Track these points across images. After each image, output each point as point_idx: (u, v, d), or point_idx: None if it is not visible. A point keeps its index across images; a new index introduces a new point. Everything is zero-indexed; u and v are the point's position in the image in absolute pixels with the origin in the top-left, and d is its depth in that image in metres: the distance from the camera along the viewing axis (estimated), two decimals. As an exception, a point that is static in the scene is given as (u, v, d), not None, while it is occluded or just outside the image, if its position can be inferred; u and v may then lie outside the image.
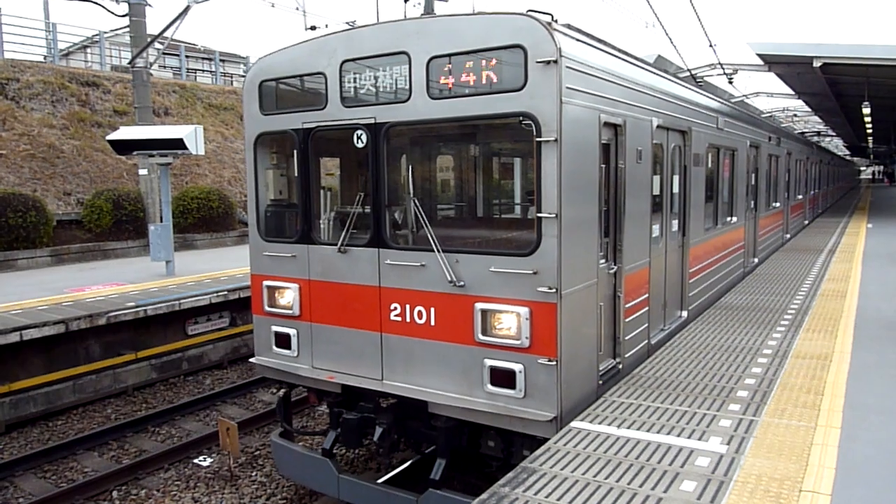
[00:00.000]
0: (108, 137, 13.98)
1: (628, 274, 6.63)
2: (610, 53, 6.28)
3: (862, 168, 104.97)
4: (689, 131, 8.49)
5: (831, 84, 23.82)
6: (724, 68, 20.34)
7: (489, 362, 5.57)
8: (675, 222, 8.45)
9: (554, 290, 5.21)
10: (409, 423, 6.37)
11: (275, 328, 7.01)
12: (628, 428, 5.39)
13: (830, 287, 11.32)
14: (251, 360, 7.37)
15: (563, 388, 5.35)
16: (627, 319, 6.67)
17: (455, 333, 5.73)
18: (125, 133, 13.71)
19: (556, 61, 4.99)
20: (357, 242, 6.29)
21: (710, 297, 10.17)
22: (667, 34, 11.95)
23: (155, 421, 9.84)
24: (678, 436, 5.20)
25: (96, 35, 28.16)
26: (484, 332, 5.57)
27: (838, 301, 10.13)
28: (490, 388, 5.59)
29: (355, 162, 7.01)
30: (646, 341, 7.32)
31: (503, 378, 5.51)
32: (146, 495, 7.77)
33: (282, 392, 7.27)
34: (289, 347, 6.91)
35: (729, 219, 11.33)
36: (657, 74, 7.60)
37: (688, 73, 14.36)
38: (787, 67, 23.16)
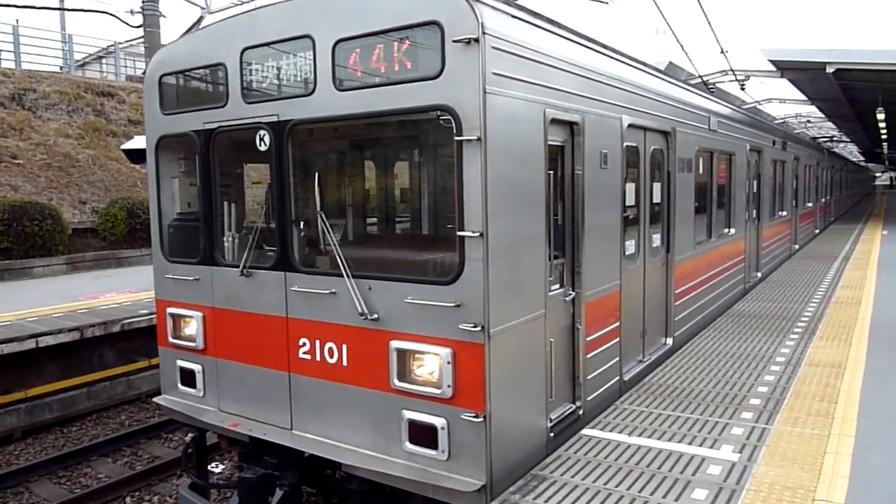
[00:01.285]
0: (123, 146, 14.17)
1: (591, 300, 5.69)
2: (560, 35, 5.29)
3: (877, 174, 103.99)
4: (672, 132, 7.58)
5: (844, 90, 23.66)
6: (735, 74, 20.27)
7: (407, 414, 4.61)
8: (657, 236, 7.51)
9: (480, 329, 4.26)
10: (322, 479, 5.53)
11: (179, 363, 6.12)
12: (639, 436, 5.38)
13: (844, 294, 11.23)
14: (155, 399, 6.49)
15: (495, 449, 4.39)
16: (590, 355, 5.72)
17: (369, 377, 4.81)
18: (139, 142, 13.87)
19: (476, 40, 4.09)
20: (263, 264, 5.42)
21: (703, 319, 9.22)
22: (678, 41, 11.93)
23: (168, 427, 9.89)
24: (690, 444, 5.18)
25: (111, 45, 28.55)
26: (401, 377, 4.62)
27: (852, 308, 10.05)
28: (409, 446, 4.63)
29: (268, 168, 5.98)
30: (617, 378, 6.33)
31: (423, 435, 4.55)
32: (159, 501, 7.82)
33: (189, 437, 6.37)
34: (194, 386, 6.01)
35: (726, 230, 10.43)
36: (628, 65, 6.63)
37: (699, 80, 14.35)
38: (800, 73, 23.04)
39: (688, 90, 8.65)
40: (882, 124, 28.42)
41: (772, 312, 9.93)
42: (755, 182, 12.37)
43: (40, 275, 16.04)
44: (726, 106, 10.81)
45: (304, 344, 5.17)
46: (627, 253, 6.59)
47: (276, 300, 5.31)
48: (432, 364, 4.49)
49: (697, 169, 8.68)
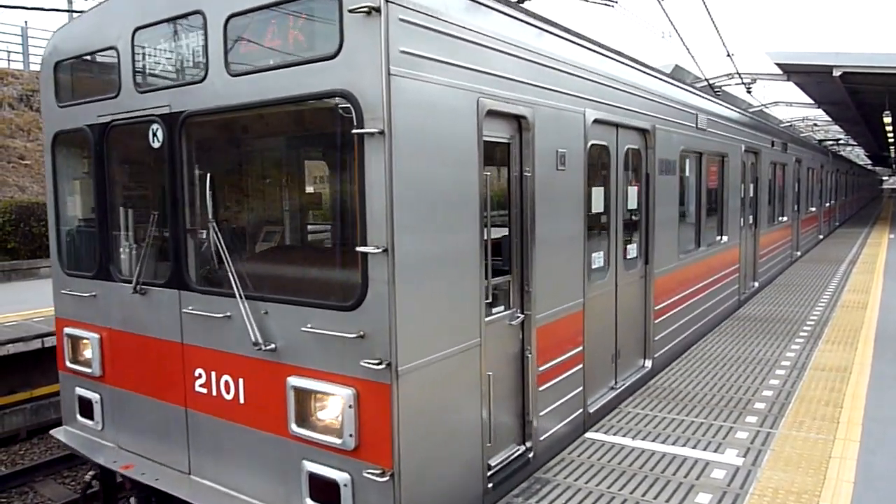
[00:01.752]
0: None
1: (545, 324, 4.97)
2: (498, 11, 4.46)
3: (884, 178, 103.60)
4: (652, 130, 6.81)
5: (852, 93, 23.58)
6: (742, 78, 20.21)
7: (308, 466, 3.91)
8: (633, 247, 6.80)
9: (385, 366, 3.53)
10: None
11: (78, 390, 5.43)
12: (643, 439, 5.37)
13: (851, 298, 11.19)
14: (51, 432, 5.81)
15: None
16: (544, 387, 5.01)
17: (266, 419, 4.13)
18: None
19: (377, 9, 3.40)
20: (158, 281, 4.74)
21: (689, 337, 8.41)
22: (684, 44, 11.90)
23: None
24: (694, 447, 5.17)
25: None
26: (300, 422, 3.91)
27: (859, 312, 10.01)
28: (310, 503, 3.94)
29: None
30: (580, 410, 5.62)
31: (325, 491, 3.85)
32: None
33: (90, 474, 5.60)
34: (92, 417, 5.33)
35: (718, 238, 9.74)
36: (593, 51, 5.79)
37: (706, 83, 14.31)
38: (807, 77, 22.97)
39: (670, 84, 7.83)
40: (889, 128, 28.32)
41: (777, 316, 9.90)
42: (752, 186, 11.72)
43: (46, 275, 16.10)
44: (717, 103, 10.03)
45: (201, 375, 4.49)
46: (594, 266, 5.89)
47: (170, 323, 4.64)
48: (334, 407, 3.78)
49: (683, 171, 8.02)
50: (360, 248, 3.57)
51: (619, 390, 6.40)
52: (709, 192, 9.21)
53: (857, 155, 59.64)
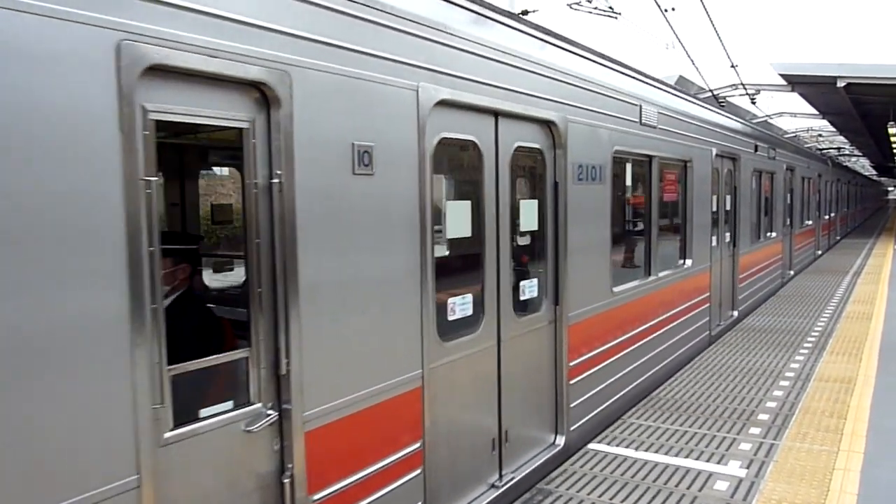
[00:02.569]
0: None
1: (332, 422, 3.20)
2: None
3: (890, 188, 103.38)
4: (560, 123, 5.06)
5: (856, 104, 23.59)
6: (746, 88, 20.25)
7: None
8: (532, 284, 5.05)
9: None
10: None
11: None
12: (646, 450, 5.37)
13: (856, 309, 11.17)
14: None
15: None
16: None
17: None
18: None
19: None
20: None
21: (630, 393, 6.50)
22: (688, 55, 11.94)
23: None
24: (697, 459, 5.17)
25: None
26: None
27: (863, 323, 9.99)
28: None
29: None
30: None
31: None
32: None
33: None
34: None
35: (680, 262, 8.11)
36: None
37: (710, 94, 14.33)
38: (811, 87, 23.00)
39: (594, 62, 5.88)
40: (894, 138, 28.32)
41: (782, 327, 9.88)
42: (729, 198, 10.04)
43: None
44: (675, 94, 8.13)
45: None
46: (454, 317, 4.23)
47: None
48: None
49: (620, 180, 6.50)
50: None
51: (505, 487, 4.58)
52: (663, 206, 7.55)
53: (863, 165, 59.60)
